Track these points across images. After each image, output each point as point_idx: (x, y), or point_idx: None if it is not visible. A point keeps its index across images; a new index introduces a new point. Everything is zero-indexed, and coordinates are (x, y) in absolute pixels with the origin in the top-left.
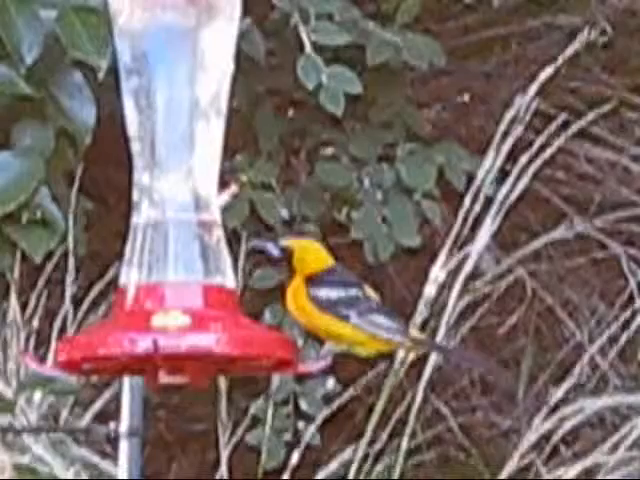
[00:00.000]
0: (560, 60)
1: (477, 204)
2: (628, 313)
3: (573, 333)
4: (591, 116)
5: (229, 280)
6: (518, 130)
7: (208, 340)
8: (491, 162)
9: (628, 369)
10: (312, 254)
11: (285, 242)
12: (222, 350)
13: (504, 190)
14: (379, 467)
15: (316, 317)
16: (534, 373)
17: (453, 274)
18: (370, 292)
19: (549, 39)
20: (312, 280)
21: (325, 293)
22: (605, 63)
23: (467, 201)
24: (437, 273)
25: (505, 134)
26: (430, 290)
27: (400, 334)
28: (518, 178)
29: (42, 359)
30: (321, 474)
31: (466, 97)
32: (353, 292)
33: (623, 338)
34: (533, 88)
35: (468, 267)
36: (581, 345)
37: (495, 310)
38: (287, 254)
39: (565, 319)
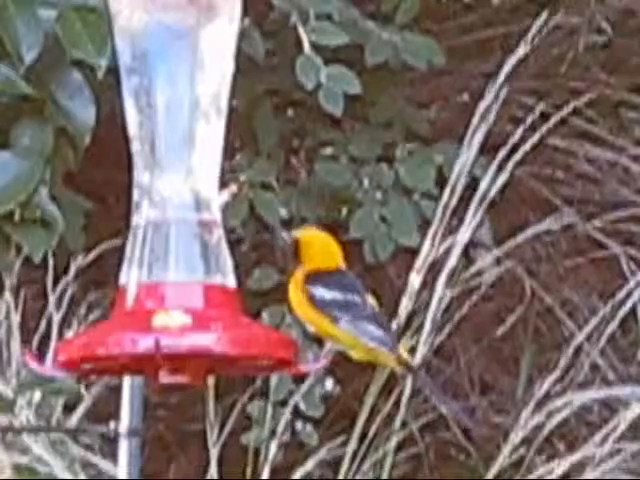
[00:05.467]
0: (529, 46)
1: (455, 195)
2: (613, 303)
3: (573, 333)
4: (569, 108)
5: (230, 280)
6: (490, 119)
7: (209, 340)
8: (465, 152)
9: (620, 363)
10: (318, 250)
11: (297, 234)
12: (223, 350)
13: (486, 183)
14: (367, 465)
15: (309, 313)
16: (534, 373)
17: (455, 273)
18: (371, 300)
19: (549, 39)
20: (312, 277)
21: (321, 292)
22: (605, 63)
23: (446, 193)
24: (420, 265)
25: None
26: (414, 281)
27: (386, 346)
28: (499, 170)
29: (41, 358)
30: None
31: (466, 97)
32: (350, 297)
33: (614, 329)
34: (502, 74)
35: (453, 259)
36: (581, 345)
37: (494, 310)
38: (295, 245)
39: (565, 319)
